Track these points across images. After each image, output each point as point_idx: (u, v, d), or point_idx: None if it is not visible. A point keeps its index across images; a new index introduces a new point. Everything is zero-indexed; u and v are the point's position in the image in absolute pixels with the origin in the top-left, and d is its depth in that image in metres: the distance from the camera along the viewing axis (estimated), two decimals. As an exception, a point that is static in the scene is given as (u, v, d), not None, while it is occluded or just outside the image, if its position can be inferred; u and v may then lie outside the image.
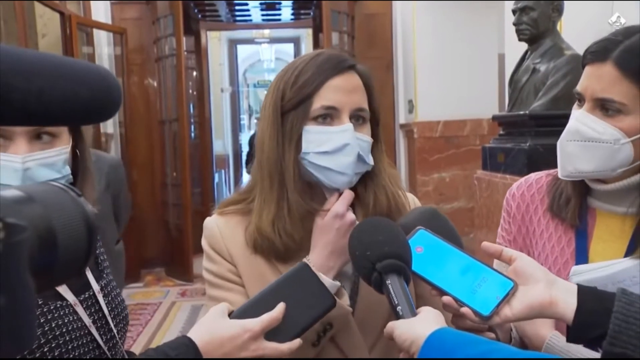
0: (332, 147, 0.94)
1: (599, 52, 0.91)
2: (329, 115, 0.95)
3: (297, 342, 0.84)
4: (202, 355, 0.80)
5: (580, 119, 0.94)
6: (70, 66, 0.41)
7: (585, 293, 0.81)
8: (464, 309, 0.82)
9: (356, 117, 0.97)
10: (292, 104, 0.96)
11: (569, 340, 0.84)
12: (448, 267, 0.86)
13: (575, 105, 0.97)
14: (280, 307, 0.84)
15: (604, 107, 0.91)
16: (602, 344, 0.77)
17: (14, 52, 0.37)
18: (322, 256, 0.94)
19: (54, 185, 0.43)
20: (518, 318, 0.83)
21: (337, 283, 0.94)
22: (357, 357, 0.99)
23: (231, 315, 0.85)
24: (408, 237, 0.87)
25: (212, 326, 0.83)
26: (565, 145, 0.96)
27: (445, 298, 0.83)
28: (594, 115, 0.92)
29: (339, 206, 0.96)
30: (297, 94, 0.95)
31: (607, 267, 0.94)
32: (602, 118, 0.91)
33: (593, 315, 0.79)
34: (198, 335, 0.82)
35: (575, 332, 0.81)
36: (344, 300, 0.94)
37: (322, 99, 0.95)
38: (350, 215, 0.96)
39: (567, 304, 0.80)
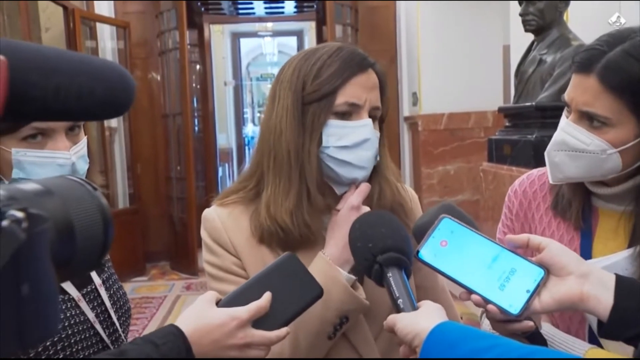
0: (352, 142, 0.95)
1: (583, 64, 0.91)
2: (350, 111, 0.96)
3: (284, 330, 0.84)
4: (189, 344, 0.79)
5: (567, 129, 0.94)
6: (87, 63, 0.41)
7: (624, 288, 0.78)
8: (490, 306, 0.80)
9: (371, 115, 0.98)
10: (314, 97, 0.96)
11: (600, 335, 0.82)
12: (475, 259, 0.83)
13: (564, 112, 0.97)
14: (267, 296, 0.84)
15: (590, 119, 0.91)
16: (638, 345, 0.74)
17: (32, 49, 0.38)
18: (339, 249, 0.94)
19: (70, 179, 0.43)
20: (546, 311, 0.82)
21: (353, 277, 0.94)
22: (365, 350, 0.99)
23: (219, 303, 0.85)
24: (432, 228, 0.85)
25: (200, 314, 0.82)
26: (553, 155, 0.97)
27: (474, 297, 0.81)
28: (581, 125, 0.92)
29: (355, 198, 0.97)
30: (320, 87, 0.95)
31: (598, 262, 0.93)
32: (588, 129, 0.91)
33: (630, 313, 0.76)
34: (185, 323, 0.81)
35: (609, 329, 0.78)
36: (360, 294, 0.94)
37: (346, 95, 0.95)
38: (366, 208, 0.97)
39: (600, 300, 0.77)
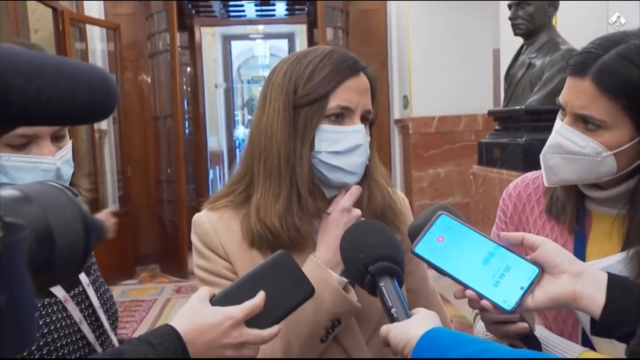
0: (345, 147, 0.95)
1: (577, 67, 0.91)
2: (342, 115, 0.96)
3: (276, 328, 0.84)
4: (185, 343, 0.80)
5: (562, 132, 0.94)
6: (69, 66, 0.40)
7: (616, 288, 0.78)
8: (483, 302, 0.80)
9: (364, 118, 0.98)
10: (306, 100, 0.95)
11: (592, 334, 0.82)
12: (470, 255, 0.84)
13: (559, 114, 0.98)
14: (261, 295, 0.84)
15: (585, 122, 0.91)
16: (630, 343, 0.74)
17: (13, 52, 0.37)
18: (330, 251, 0.94)
19: (50, 185, 0.43)
20: (539, 308, 0.82)
21: (344, 279, 0.94)
22: (357, 353, 0.99)
23: (212, 300, 0.85)
24: (429, 224, 0.85)
25: (194, 313, 0.83)
26: (548, 158, 0.97)
27: (469, 292, 0.81)
28: (576, 128, 0.92)
29: (345, 201, 0.97)
30: (312, 91, 0.95)
31: (591, 265, 0.93)
32: (583, 132, 0.92)
33: (622, 313, 0.76)
34: (180, 323, 0.82)
35: (601, 327, 0.78)
36: (352, 296, 0.94)
37: (339, 99, 0.95)
38: (357, 211, 0.97)
39: (593, 299, 0.78)
